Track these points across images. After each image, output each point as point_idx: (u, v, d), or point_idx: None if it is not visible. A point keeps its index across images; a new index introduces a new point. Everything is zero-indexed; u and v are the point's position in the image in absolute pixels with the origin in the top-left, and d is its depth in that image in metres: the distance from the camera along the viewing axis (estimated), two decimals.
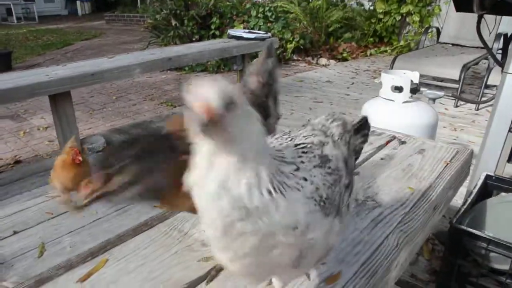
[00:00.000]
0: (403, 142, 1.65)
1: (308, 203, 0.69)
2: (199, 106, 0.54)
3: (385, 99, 2.62)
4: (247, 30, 4.39)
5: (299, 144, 0.78)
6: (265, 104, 1.10)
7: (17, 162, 3.54)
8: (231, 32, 4.30)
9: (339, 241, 0.84)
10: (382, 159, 1.50)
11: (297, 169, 0.71)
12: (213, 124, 0.55)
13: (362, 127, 1.02)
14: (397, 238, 1.05)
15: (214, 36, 6.70)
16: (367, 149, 1.56)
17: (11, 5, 14.64)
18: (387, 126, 1.91)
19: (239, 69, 4.19)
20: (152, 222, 1.20)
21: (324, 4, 7.62)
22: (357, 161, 1.47)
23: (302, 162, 0.73)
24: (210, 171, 0.62)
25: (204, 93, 0.56)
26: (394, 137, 1.70)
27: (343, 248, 1.00)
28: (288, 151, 0.74)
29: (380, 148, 1.59)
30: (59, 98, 2.90)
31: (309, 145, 0.78)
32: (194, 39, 6.70)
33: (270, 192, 0.63)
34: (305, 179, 0.70)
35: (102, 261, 1.02)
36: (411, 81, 2.58)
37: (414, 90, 2.61)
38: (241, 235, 0.64)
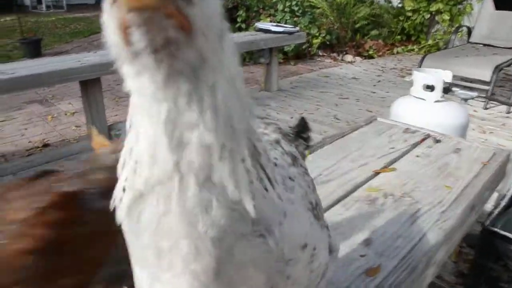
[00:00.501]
0: (438, 141, 1.63)
1: (306, 211, 0.53)
2: None
3: (416, 97, 2.58)
4: (275, 24, 4.38)
5: None
6: None
7: (45, 145, 3.61)
8: (259, 25, 4.30)
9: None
10: (417, 156, 1.48)
11: (275, 165, 0.51)
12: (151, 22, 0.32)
13: (302, 130, 0.90)
14: (435, 236, 1.04)
15: (240, 29, 6.69)
16: (402, 146, 1.54)
17: None
18: (418, 125, 1.89)
19: (266, 62, 4.18)
20: None
21: (352, 0, 7.54)
22: (393, 157, 1.46)
23: (276, 158, 0.56)
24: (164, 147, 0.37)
25: None
26: (428, 135, 1.68)
27: (383, 241, 0.99)
28: None
29: (415, 145, 1.57)
30: (90, 84, 2.94)
31: (268, 141, 0.61)
32: None
33: (269, 188, 0.43)
34: (291, 179, 0.53)
35: None
36: (443, 80, 2.54)
37: (447, 89, 2.57)
38: (243, 267, 0.43)
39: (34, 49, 7.44)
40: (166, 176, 0.38)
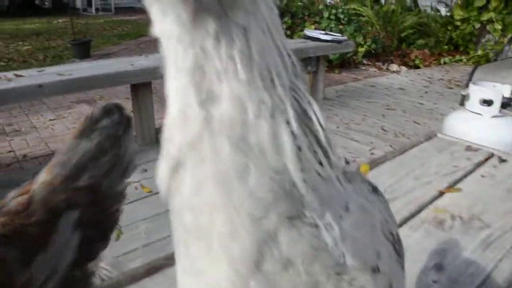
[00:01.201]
0: (504, 160, 1.55)
1: (384, 237, 0.44)
2: None
3: (472, 112, 2.49)
4: (323, 32, 4.34)
5: None
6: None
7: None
8: (307, 33, 4.27)
9: None
10: (482, 176, 1.42)
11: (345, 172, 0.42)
12: None
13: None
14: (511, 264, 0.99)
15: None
16: (465, 164, 1.48)
17: None
18: (475, 141, 1.81)
19: (313, 71, 4.15)
20: None
21: (399, 8, 7.40)
22: (457, 176, 1.40)
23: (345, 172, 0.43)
24: (204, 123, 0.33)
25: None
26: (492, 154, 1.60)
27: (456, 267, 0.95)
28: None
29: (478, 164, 1.51)
30: (141, 88, 3.00)
31: None
32: None
33: (325, 163, 0.35)
34: (367, 200, 0.44)
35: None
36: (502, 95, 2.44)
37: (505, 104, 2.47)
38: (290, 263, 0.34)
39: (83, 50, 7.69)
40: (197, 136, 0.33)
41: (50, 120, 4.42)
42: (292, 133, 0.33)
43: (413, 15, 7.57)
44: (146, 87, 3.00)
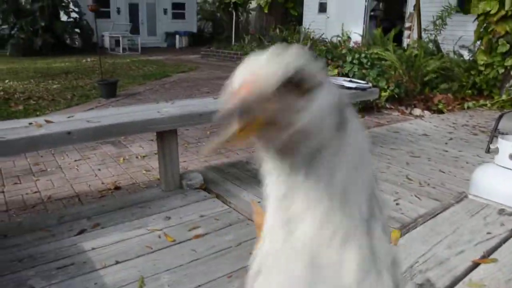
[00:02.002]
0: None
1: None
2: (242, 86, 0.33)
3: (502, 167, 2.42)
4: (347, 79, 4.37)
5: None
6: None
7: (117, 188, 3.74)
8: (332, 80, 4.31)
9: None
10: None
11: None
12: (264, 117, 0.33)
13: None
14: None
15: None
16: (499, 231, 1.43)
17: (120, 37, 16.04)
18: (506, 201, 1.76)
19: None
20: None
21: (421, 53, 7.44)
22: (491, 244, 1.35)
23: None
24: (286, 238, 0.37)
25: (254, 66, 0.35)
26: None
27: None
28: None
29: None
30: (166, 135, 3.04)
31: None
32: None
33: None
34: None
35: None
36: None
37: None
38: None
39: (110, 90, 7.92)
40: (277, 249, 0.39)
41: (76, 160, 4.50)
42: (361, 260, 0.37)
43: (436, 59, 7.58)
44: (171, 134, 3.04)
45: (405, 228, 1.36)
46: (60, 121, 2.84)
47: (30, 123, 2.77)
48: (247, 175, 3.38)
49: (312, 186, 0.38)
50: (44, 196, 3.64)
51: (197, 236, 2.57)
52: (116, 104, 7.28)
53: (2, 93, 8.70)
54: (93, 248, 2.46)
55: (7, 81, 10.15)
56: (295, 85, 0.36)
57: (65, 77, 10.64)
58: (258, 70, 0.37)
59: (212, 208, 2.93)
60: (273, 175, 0.42)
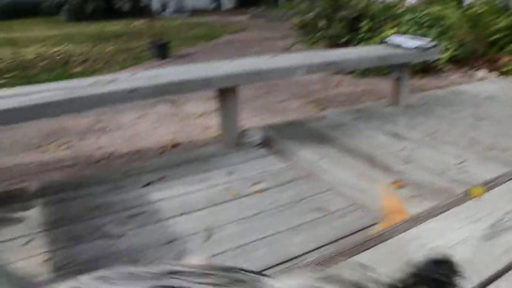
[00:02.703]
0: None
1: None
2: None
3: None
4: (407, 37, 4.18)
5: None
6: None
7: (176, 145, 3.83)
8: (390, 39, 4.14)
9: None
10: None
11: None
12: None
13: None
14: None
15: (362, 40, 6.55)
16: None
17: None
18: None
19: (395, 78, 4.02)
20: None
21: (488, 10, 6.97)
22: None
23: None
24: None
25: None
26: None
27: None
28: None
29: None
30: (228, 92, 3.05)
31: None
32: (341, 42, 6.63)
33: None
34: None
35: None
36: None
37: None
38: None
39: (161, 52, 8.00)
40: None
41: (134, 118, 4.63)
42: None
43: (504, 17, 7.08)
44: (232, 91, 3.05)
45: (487, 185, 1.31)
46: (123, 79, 2.91)
47: (95, 82, 2.85)
48: (305, 134, 3.36)
49: None
50: (107, 152, 3.80)
51: (259, 191, 2.61)
52: (168, 65, 7.36)
53: (61, 56, 9.01)
54: (160, 200, 2.56)
55: (64, 45, 10.49)
56: None
57: (117, 40, 10.86)
58: None
59: (272, 165, 2.95)
60: None
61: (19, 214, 2.55)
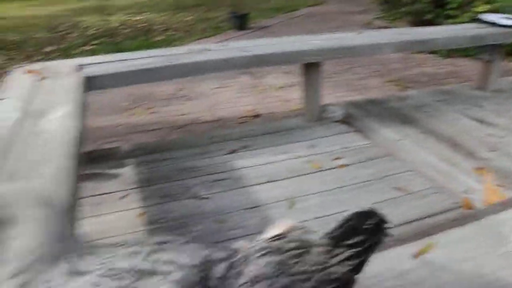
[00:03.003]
0: None
1: None
2: None
3: None
4: (503, 16, 3.94)
5: None
6: None
7: (256, 115, 3.95)
8: (483, 16, 3.93)
9: None
10: None
11: None
12: None
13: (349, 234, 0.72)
14: None
15: (448, 17, 6.23)
16: None
17: None
18: None
19: (487, 59, 3.83)
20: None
21: None
22: None
23: None
24: None
25: None
26: None
27: None
28: None
29: None
30: (313, 67, 3.09)
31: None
32: (425, 18, 6.35)
33: None
34: None
35: (430, 244, 1.08)
36: None
37: None
38: None
39: (241, 22, 8.09)
40: None
41: (216, 88, 4.81)
42: None
43: None
44: (317, 66, 3.08)
45: None
46: (216, 49, 3.04)
47: (191, 50, 3.00)
48: (387, 113, 3.33)
49: None
50: (190, 119, 4.00)
51: (341, 166, 2.66)
52: (248, 36, 7.46)
53: (143, 24, 9.41)
54: (244, 167, 2.69)
55: (146, 13, 10.91)
56: None
57: (196, 10, 11.10)
58: None
59: (354, 141, 2.98)
60: None
61: (115, 171, 2.80)
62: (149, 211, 2.32)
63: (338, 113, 3.25)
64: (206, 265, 0.61)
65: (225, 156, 2.86)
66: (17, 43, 8.44)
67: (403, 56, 5.78)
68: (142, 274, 0.59)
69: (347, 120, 3.26)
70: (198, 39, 7.63)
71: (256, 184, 2.50)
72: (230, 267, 0.62)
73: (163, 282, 0.57)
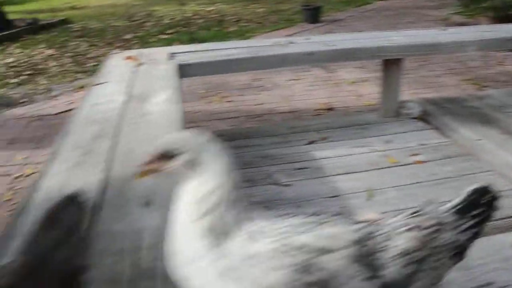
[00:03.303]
0: None
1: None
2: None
3: None
4: None
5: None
6: None
7: (330, 109, 4.04)
8: None
9: None
10: None
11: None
12: None
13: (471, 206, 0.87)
14: None
15: None
16: None
17: None
18: None
19: None
20: None
21: None
22: None
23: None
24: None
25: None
26: None
27: None
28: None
29: None
30: (393, 63, 3.13)
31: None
32: (509, 14, 6.09)
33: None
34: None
35: None
36: None
37: None
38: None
39: (313, 15, 8.13)
40: None
41: (289, 80, 4.93)
42: None
43: None
44: (398, 62, 3.12)
45: None
46: (299, 42, 3.16)
47: (275, 43, 3.14)
48: (466, 112, 3.30)
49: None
50: (267, 109, 4.16)
51: (418, 162, 2.71)
52: (320, 30, 7.51)
53: (215, 15, 9.70)
54: (323, 158, 2.81)
55: (218, 4, 11.21)
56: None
57: (268, 1, 11.24)
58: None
59: (431, 138, 3.01)
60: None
61: None
62: None
63: (415, 110, 3.27)
64: (364, 240, 0.75)
65: (304, 146, 2.99)
66: (98, 30, 9.04)
67: (482, 53, 5.60)
68: (314, 251, 0.72)
69: (424, 118, 3.27)
70: (270, 31, 7.77)
71: (336, 175, 2.61)
72: (377, 241, 0.75)
73: (336, 259, 0.70)
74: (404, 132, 3.09)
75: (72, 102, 4.89)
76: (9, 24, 8.53)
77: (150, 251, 1.05)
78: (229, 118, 4.07)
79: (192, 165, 0.80)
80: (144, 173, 0.83)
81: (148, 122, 1.83)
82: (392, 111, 3.29)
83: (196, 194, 0.79)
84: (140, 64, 2.77)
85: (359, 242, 0.75)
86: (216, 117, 4.10)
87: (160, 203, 1.22)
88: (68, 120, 1.99)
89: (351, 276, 0.72)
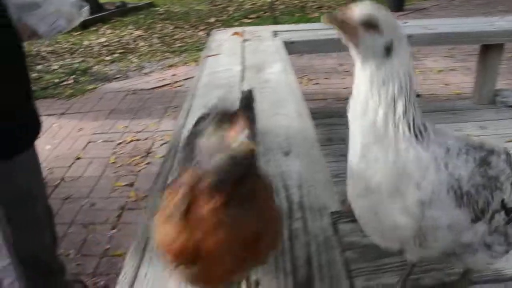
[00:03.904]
0: None
1: (444, 178, 0.69)
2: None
3: None
4: None
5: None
6: None
7: (417, 96, 4.03)
8: None
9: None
10: None
11: (448, 150, 0.72)
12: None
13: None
14: None
15: None
16: None
17: None
18: None
19: None
20: None
21: None
22: None
23: (460, 149, 0.73)
24: (357, 92, 0.74)
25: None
26: None
27: None
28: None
29: None
30: (493, 49, 3.10)
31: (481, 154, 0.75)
32: None
33: (407, 129, 0.70)
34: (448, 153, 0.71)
35: None
36: None
37: None
38: (375, 161, 0.71)
39: (396, 4, 8.00)
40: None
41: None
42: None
43: None
44: (497, 49, 3.09)
45: None
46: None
47: None
48: None
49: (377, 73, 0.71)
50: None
51: None
52: (406, 18, 7.37)
53: (297, 1, 9.76)
54: None
55: None
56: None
57: None
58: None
59: None
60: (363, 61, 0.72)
61: None
62: (330, 167, 2.63)
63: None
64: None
65: None
66: (182, 14, 9.45)
67: None
68: (488, 150, 0.77)
69: None
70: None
71: None
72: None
73: (502, 160, 0.77)
74: (499, 120, 3.06)
75: (163, 79, 5.26)
76: (100, 7, 9.16)
77: (299, 189, 1.23)
78: (317, 99, 4.20)
79: (383, 49, 0.70)
80: (335, 19, 0.70)
81: (271, 88, 2.01)
82: (487, 99, 3.26)
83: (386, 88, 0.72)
84: (246, 40, 2.97)
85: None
86: (305, 98, 4.23)
87: (297, 153, 1.40)
88: (190, 85, 2.22)
89: (508, 177, 0.77)
